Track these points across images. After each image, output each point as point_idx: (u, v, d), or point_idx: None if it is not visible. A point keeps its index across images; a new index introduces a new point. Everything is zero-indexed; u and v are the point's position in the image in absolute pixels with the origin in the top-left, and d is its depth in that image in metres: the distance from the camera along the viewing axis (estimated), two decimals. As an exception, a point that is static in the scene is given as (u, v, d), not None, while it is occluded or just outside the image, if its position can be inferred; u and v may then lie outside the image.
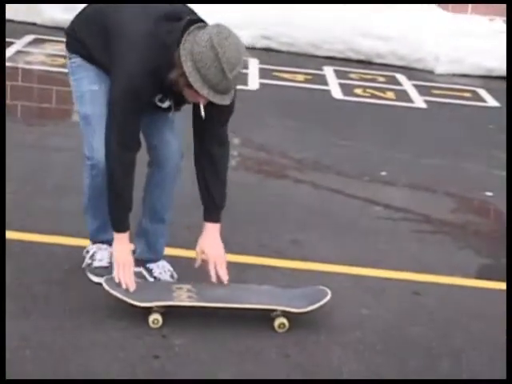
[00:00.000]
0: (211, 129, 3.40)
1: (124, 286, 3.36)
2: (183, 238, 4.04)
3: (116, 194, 3.34)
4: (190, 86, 3.10)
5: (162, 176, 3.57)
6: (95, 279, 3.61)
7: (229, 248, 4.12)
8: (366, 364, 3.27)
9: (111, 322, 3.34)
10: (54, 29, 8.65)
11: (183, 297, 3.40)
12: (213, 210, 3.51)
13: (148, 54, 3.16)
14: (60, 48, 8.02)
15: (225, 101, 3.11)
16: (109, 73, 3.35)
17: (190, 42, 3.08)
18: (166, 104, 3.36)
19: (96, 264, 3.66)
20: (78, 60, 3.48)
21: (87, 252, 3.71)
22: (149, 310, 3.34)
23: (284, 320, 3.39)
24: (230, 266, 3.90)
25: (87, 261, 3.68)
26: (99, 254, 3.68)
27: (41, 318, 3.33)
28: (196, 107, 3.34)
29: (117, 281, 3.38)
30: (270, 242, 4.33)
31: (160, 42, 3.16)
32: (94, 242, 3.72)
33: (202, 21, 3.21)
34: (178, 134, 3.54)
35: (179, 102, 3.37)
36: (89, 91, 3.45)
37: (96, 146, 3.41)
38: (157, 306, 3.34)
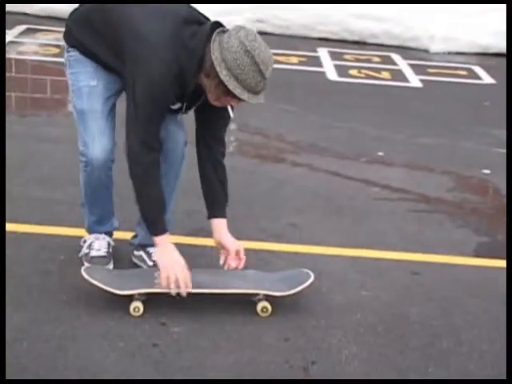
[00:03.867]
0: (216, 132, 3.46)
1: (183, 287, 3.30)
2: (181, 224, 4.03)
3: (146, 198, 3.31)
4: (227, 93, 3.12)
5: (167, 167, 3.53)
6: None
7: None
8: (366, 346, 3.26)
9: (108, 312, 3.33)
10: (46, 18, 8.64)
11: None
12: (223, 205, 3.52)
13: (172, 57, 3.13)
14: (52, 37, 8.01)
15: (261, 100, 3.16)
16: (110, 71, 3.35)
17: (218, 50, 3.08)
18: (176, 106, 3.35)
19: (94, 253, 3.64)
20: (75, 54, 3.43)
21: (84, 241, 3.69)
22: (130, 298, 3.32)
23: (267, 304, 3.38)
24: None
25: (84, 250, 3.67)
26: (97, 244, 3.66)
27: (37, 310, 3.32)
28: (200, 113, 3.39)
29: (166, 286, 3.30)
30: (267, 226, 4.31)
31: (183, 44, 3.14)
32: (91, 233, 3.70)
33: (220, 25, 3.20)
34: (181, 125, 3.53)
35: (191, 105, 3.36)
36: (87, 86, 3.41)
37: (89, 141, 3.39)
38: (138, 294, 3.32)
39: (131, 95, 3.20)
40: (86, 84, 3.41)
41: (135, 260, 3.71)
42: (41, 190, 4.49)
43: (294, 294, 3.42)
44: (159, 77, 3.13)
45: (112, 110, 3.45)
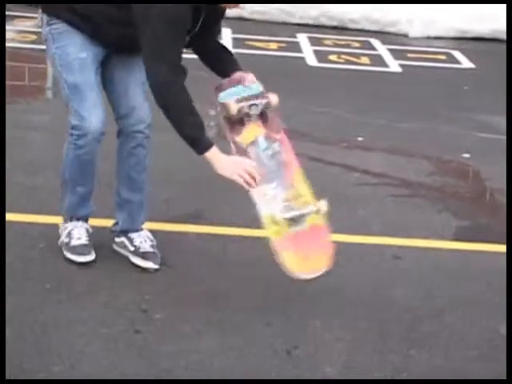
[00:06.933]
0: (214, 37, 3.46)
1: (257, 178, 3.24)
2: (161, 212, 4.03)
3: (187, 122, 3.18)
4: None
5: (132, 145, 3.53)
6: (74, 258, 3.56)
7: (206, 220, 4.13)
8: (348, 330, 3.27)
9: (90, 299, 3.33)
10: (23, 4, 8.56)
11: None
12: (236, 61, 3.46)
13: None
14: (30, 24, 7.95)
15: None
16: (97, 38, 3.31)
17: None
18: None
19: (75, 243, 3.59)
20: (60, 26, 3.34)
21: (64, 229, 3.65)
22: None
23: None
24: (215, 238, 3.92)
25: (64, 239, 3.62)
26: (76, 232, 3.61)
27: (20, 296, 3.30)
28: (196, 35, 3.31)
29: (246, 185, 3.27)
30: (249, 212, 4.28)
31: None
32: (69, 218, 3.65)
33: None
34: (146, 98, 3.50)
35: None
36: (77, 59, 3.34)
37: (85, 114, 3.34)
38: None
39: (145, 28, 3.11)
40: (76, 57, 3.34)
41: (117, 248, 3.70)
42: (22, 176, 4.46)
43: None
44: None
45: (100, 82, 3.41)
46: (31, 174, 4.53)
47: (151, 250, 3.63)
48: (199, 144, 3.21)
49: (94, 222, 3.76)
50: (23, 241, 3.76)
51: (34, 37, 7.36)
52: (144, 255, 3.60)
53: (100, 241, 3.69)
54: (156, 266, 3.57)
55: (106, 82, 3.48)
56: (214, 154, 3.22)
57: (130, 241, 3.65)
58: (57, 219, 3.79)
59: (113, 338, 3.09)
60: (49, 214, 3.99)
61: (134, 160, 3.55)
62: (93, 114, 3.34)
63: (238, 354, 3.06)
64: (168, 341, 3.11)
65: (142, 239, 3.64)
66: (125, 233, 3.68)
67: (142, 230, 3.69)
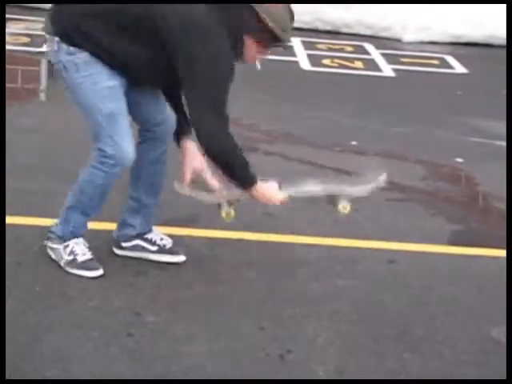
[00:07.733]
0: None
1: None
2: (155, 216, 4.01)
3: (239, 166, 3.36)
4: (273, 40, 3.27)
5: (161, 151, 3.55)
6: (86, 273, 3.50)
7: (201, 223, 4.12)
8: (342, 334, 3.26)
9: (83, 302, 3.31)
10: (16, 7, 8.56)
11: None
12: (189, 127, 3.50)
13: (225, 34, 3.17)
14: (22, 26, 7.93)
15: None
16: (122, 68, 3.29)
17: (265, 11, 3.21)
18: None
19: (82, 258, 3.52)
20: (83, 55, 3.26)
21: (63, 248, 3.54)
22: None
23: (345, 203, 3.58)
24: (209, 242, 3.91)
25: (67, 258, 3.53)
26: (79, 249, 3.54)
27: (12, 300, 3.29)
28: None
29: None
30: (243, 216, 4.27)
31: (228, 23, 3.19)
32: (69, 238, 3.56)
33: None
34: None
35: None
36: (107, 87, 3.28)
37: (123, 144, 3.30)
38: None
39: (193, 77, 3.16)
40: (106, 85, 3.29)
41: (125, 252, 3.68)
42: (15, 180, 4.45)
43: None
44: (226, 53, 3.18)
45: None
46: (24, 177, 4.51)
47: (172, 245, 3.70)
48: (246, 183, 3.41)
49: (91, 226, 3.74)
50: (17, 244, 3.75)
51: (26, 39, 7.34)
52: (172, 251, 3.68)
53: (92, 245, 3.67)
54: (185, 258, 3.68)
55: (136, 98, 3.43)
56: (257, 190, 3.42)
57: (149, 241, 3.68)
58: (50, 222, 3.78)
59: (106, 342, 3.08)
60: (42, 216, 3.98)
61: (160, 166, 3.59)
62: (127, 140, 3.32)
63: (231, 358, 3.05)
64: (160, 344, 3.10)
65: (160, 237, 3.70)
66: (140, 235, 3.68)
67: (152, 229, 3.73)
